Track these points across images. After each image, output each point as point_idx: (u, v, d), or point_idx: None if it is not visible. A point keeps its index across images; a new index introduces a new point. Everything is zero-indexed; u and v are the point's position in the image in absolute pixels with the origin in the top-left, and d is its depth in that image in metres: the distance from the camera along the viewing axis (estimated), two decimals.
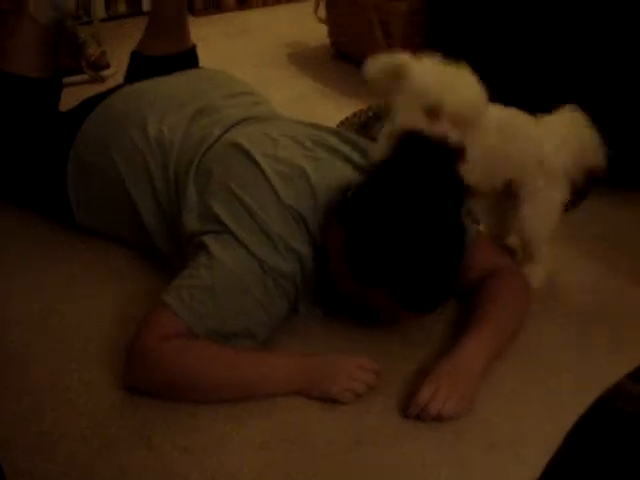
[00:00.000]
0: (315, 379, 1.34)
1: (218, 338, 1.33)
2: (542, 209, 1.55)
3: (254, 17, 3.70)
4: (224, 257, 1.35)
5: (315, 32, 3.19)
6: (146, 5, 3.55)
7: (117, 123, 1.69)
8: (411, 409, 1.30)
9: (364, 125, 2.18)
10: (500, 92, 1.48)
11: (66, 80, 2.25)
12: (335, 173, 1.45)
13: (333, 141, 1.55)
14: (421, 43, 2.67)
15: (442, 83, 1.29)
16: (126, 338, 1.37)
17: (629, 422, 0.53)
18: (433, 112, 1.29)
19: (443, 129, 1.28)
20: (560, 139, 1.52)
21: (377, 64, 1.38)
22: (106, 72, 2.75)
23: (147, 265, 1.69)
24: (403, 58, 1.34)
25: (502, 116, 1.48)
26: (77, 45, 2.65)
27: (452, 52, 2.43)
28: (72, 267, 1.70)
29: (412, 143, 1.32)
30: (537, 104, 1.57)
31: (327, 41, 3.12)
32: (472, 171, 1.34)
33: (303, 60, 3.06)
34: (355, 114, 2.47)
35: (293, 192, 1.41)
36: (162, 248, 1.61)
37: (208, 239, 1.38)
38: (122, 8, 3.52)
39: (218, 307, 1.32)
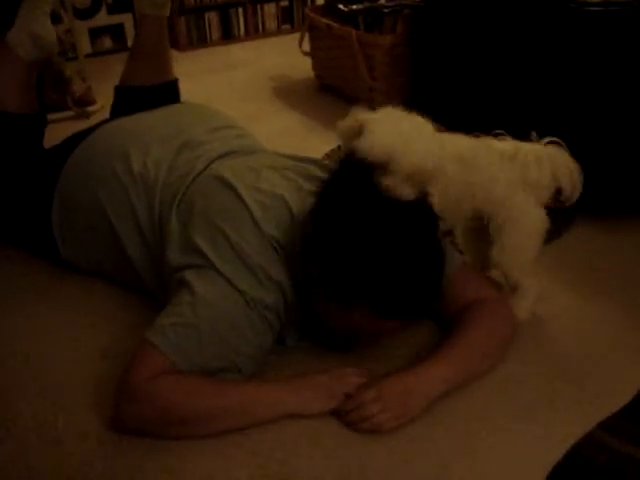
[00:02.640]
0: (306, 397, 1.35)
1: (205, 373, 1.32)
2: (515, 241, 1.53)
3: (239, 51, 3.74)
4: (207, 293, 1.34)
5: (299, 65, 3.23)
6: (131, 40, 3.60)
7: (101, 159, 1.69)
8: (347, 404, 1.33)
9: None
10: (480, 118, 1.49)
11: (52, 116, 2.26)
12: None
13: (315, 171, 1.55)
14: (405, 76, 2.72)
15: (393, 146, 1.27)
16: (110, 378, 1.37)
17: (601, 472, 0.54)
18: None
19: (393, 183, 1.28)
20: (532, 170, 1.50)
21: (343, 125, 1.37)
22: (92, 108, 2.77)
23: (133, 302, 1.68)
24: (361, 118, 1.32)
25: (464, 146, 1.47)
26: (63, 81, 2.66)
27: (434, 84, 2.49)
28: (56, 308, 1.69)
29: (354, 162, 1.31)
30: (513, 130, 1.57)
31: (311, 74, 3.15)
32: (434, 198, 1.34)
33: (288, 93, 3.09)
34: (340, 146, 2.49)
35: (274, 222, 1.41)
36: (147, 281, 1.61)
37: (190, 275, 1.38)
38: (107, 44, 3.57)
39: (203, 344, 1.32)
